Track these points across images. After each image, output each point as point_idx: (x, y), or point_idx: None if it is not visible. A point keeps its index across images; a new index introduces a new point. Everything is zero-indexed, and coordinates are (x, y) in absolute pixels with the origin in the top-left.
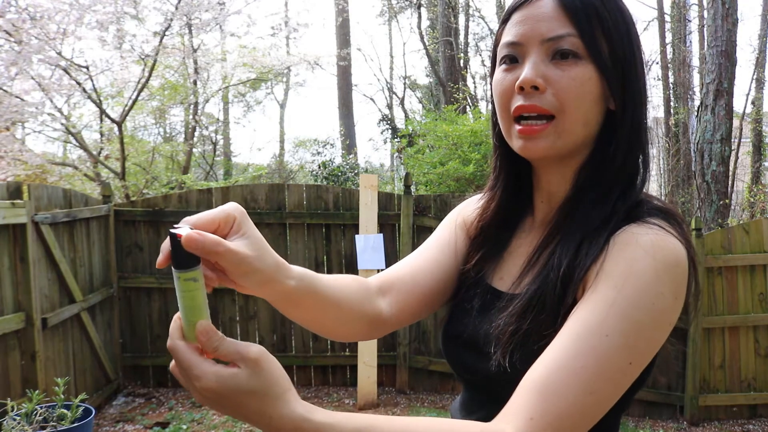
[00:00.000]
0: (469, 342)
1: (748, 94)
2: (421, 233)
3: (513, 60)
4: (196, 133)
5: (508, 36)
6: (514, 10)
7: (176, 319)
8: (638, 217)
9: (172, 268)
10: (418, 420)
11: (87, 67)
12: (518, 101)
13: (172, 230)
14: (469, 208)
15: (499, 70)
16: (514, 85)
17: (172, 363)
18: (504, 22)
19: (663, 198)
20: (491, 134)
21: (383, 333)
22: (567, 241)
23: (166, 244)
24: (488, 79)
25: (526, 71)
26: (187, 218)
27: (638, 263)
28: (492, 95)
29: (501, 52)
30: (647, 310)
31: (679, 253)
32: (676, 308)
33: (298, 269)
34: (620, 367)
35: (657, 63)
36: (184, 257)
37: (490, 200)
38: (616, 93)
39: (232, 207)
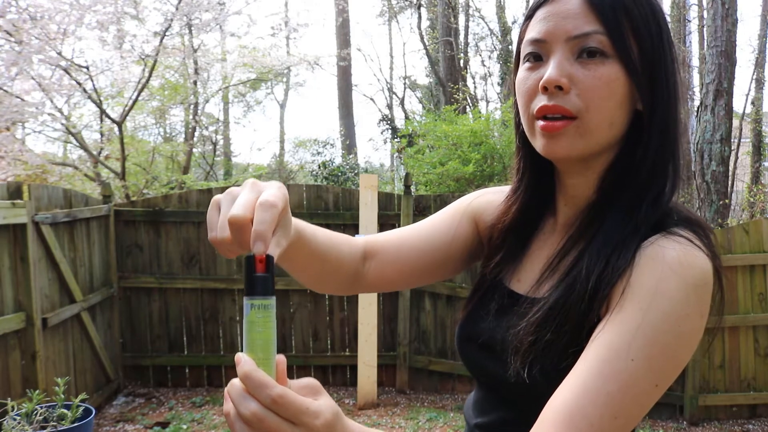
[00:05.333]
0: (486, 345)
1: (747, 94)
2: None
3: (537, 58)
4: (196, 133)
5: (532, 33)
6: (538, 6)
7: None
8: (666, 227)
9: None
10: None
11: (87, 67)
12: (541, 101)
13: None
14: (483, 199)
15: (523, 68)
16: (537, 84)
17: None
18: (528, 18)
19: None
20: (515, 135)
21: (358, 292)
22: (595, 251)
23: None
24: (489, 78)
25: (550, 70)
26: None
27: (665, 283)
28: (515, 94)
29: (525, 50)
30: (674, 333)
31: (707, 270)
32: (702, 327)
33: (297, 223)
34: (646, 390)
35: None
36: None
37: (512, 203)
38: (644, 94)
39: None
